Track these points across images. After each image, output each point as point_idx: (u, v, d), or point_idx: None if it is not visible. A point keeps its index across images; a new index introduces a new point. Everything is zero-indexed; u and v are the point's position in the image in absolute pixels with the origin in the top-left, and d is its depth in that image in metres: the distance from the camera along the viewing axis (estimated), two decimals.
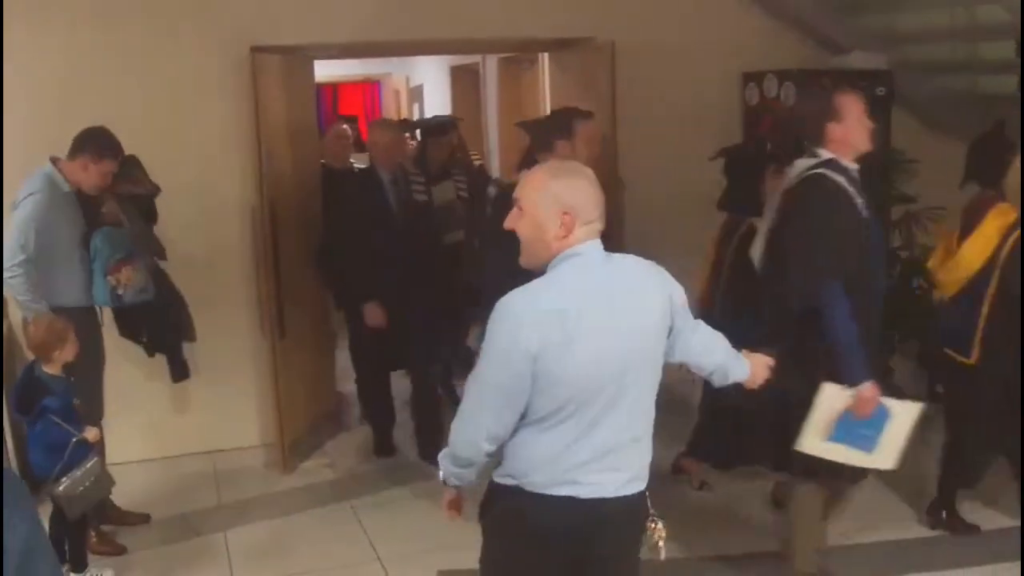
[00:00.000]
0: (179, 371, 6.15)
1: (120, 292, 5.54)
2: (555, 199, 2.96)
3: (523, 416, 2.98)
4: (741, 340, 3.60)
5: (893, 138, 7.28)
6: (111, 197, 5.62)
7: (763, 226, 4.98)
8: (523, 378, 2.88)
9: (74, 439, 4.84)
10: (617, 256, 3.10)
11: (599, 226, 3.02)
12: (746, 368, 3.48)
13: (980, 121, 7.09)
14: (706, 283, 5.85)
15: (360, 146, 9.76)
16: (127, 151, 5.70)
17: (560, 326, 2.85)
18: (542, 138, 5.35)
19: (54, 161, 5.46)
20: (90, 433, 4.94)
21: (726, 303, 5.62)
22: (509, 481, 3.08)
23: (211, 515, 6.11)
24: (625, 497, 3.05)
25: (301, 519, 6.03)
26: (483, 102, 11.35)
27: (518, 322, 2.88)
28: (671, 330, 3.17)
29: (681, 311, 3.20)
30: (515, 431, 3.02)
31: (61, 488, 4.84)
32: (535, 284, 2.97)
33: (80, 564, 5.13)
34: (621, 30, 7.13)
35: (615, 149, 7.07)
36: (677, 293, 3.19)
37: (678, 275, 3.24)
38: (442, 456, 3.22)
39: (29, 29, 6.25)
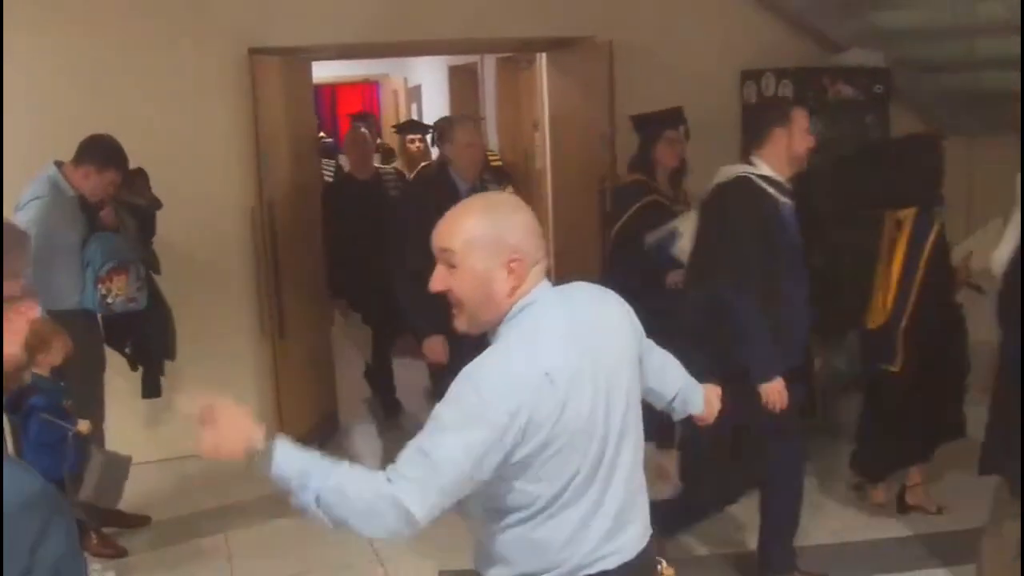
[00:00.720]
0: (151, 389, 6.15)
1: (109, 300, 5.52)
2: (496, 244, 2.44)
3: (522, 508, 2.50)
4: None
5: (891, 136, 7.28)
6: (110, 202, 5.63)
7: (689, 225, 5.13)
8: (487, 468, 2.37)
9: (70, 432, 4.86)
10: (567, 289, 2.66)
11: (546, 263, 2.57)
12: (701, 399, 3.07)
13: (979, 118, 7.10)
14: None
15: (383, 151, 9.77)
16: (129, 155, 5.71)
17: (550, 391, 2.38)
18: (755, 127, 4.87)
19: (59, 165, 5.47)
20: (82, 425, 4.94)
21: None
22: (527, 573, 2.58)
23: (211, 516, 6.11)
24: (643, 551, 2.66)
25: (301, 520, 5.97)
26: (481, 102, 11.36)
27: (501, 396, 2.35)
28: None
29: (641, 333, 2.78)
30: (510, 528, 2.54)
31: (83, 496, 4.87)
32: (501, 350, 2.48)
33: None
34: (619, 29, 7.13)
35: (614, 147, 7.06)
36: (633, 313, 2.75)
37: None
38: (327, 490, 2.64)
39: (27, 31, 6.25)
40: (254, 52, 6.37)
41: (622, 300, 2.74)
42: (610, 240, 6.35)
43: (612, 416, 2.53)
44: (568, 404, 2.40)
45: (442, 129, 7.61)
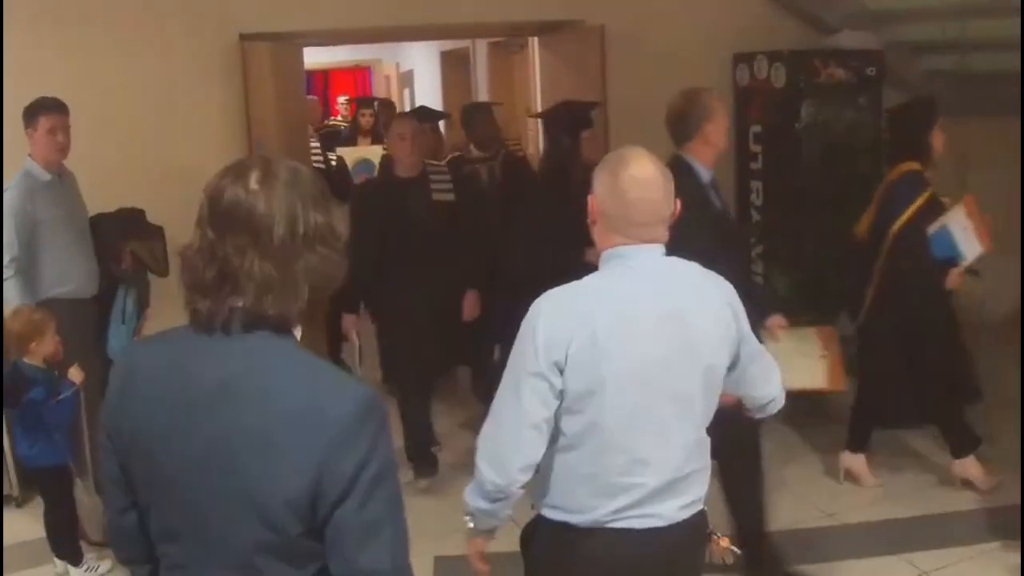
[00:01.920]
0: None
1: None
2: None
3: (559, 438, 2.72)
4: None
5: (884, 118, 7.27)
6: (130, 256, 5.74)
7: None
8: (550, 393, 2.64)
9: (61, 396, 4.89)
10: (682, 265, 2.83)
11: (653, 232, 2.75)
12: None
13: (972, 100, 7.09)
14: None
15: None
16: (119, 141, 5.71)
17: (591, 333, 2.62)
18: None
19: (30, 154, 5.48)
20: (74, 375, 4.94)
21: None
22: (556, 515, 2.79)
23: None
24: (681, 523, 2.76)
25: None
26: (474, 86, 11.34)
27: (542, 327, 2.66)
28: (737, 359, 2.86)
29: (748, 337, 2.88)
30: (554, 456, 2.74)
31: (94, 537, 5.04)
32: (573, 284, 2.76)
33: (76, 557, 5.13)
34: (611, 12, 7.12)
35: (606, 131, 7.06)
36: (743, 315, 2.86)
37: None
38: (469, 491, 2.83)
39: (18, 20, 6.22)
40: (245, 38, 6.36)
41: (734, 297, 2.86)
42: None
43: (660, 390, 2.68)
44: (607, 354, 2.62)
45: (470, 114, 7.57)
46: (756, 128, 7.43)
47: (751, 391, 3.00)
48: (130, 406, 2.03)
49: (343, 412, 1.88)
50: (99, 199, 5.84)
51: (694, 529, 2.83)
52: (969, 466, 5.61)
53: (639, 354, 2.65)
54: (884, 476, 5.83)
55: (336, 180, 7.80)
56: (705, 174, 4.55)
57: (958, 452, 5.62)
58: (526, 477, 2.72)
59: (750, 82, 7.46)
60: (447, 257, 5.82)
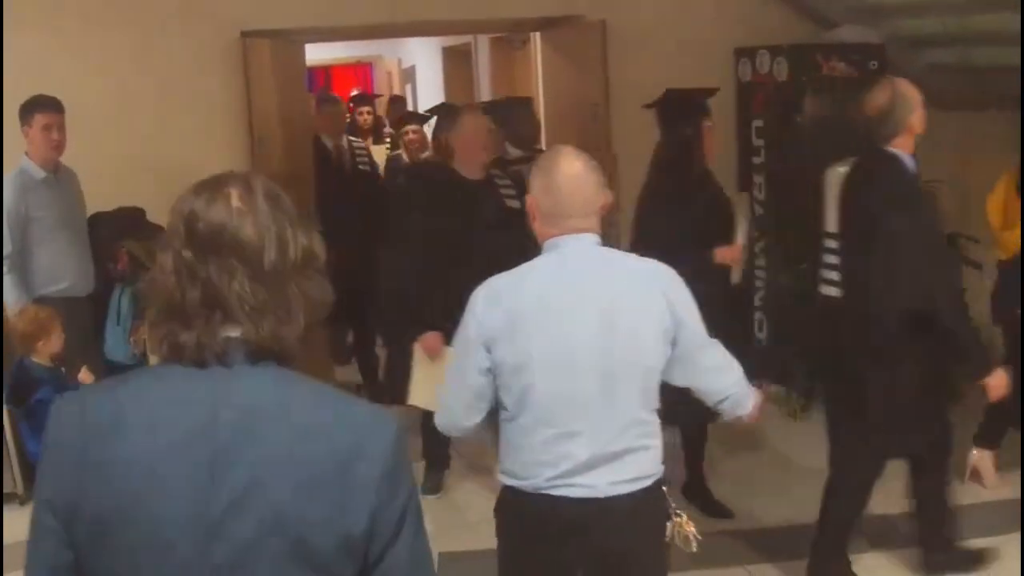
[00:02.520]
0: None
1: (135, 351, 5.73)
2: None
3: (502, 411, 2.98)
4: None
5: None
6: (127, 256, 5.73)
7: None
8: (480, 366, 2.92)
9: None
10: (616, 254, 3.04)
11: (584, 223, 2.96)
12: (751, 402, 3.26)
13: (973, 93, 7.09)
14: None
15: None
16: (120, 139, 5.71)
17: (520, 316, 2.88)
18: None
19: (26, 152, 5.49)
20: (83, 375, 4.95)
21: None
22: (507, 480, 3.03)
23: None
24: (622, 496, 2.93)
25: None
26: (476, 82, 11.33)
27: (478, 307, 2.95)
28: (676, 345, 2.97)
29: (688, 324, 2.98)
30: (502, 426, 3.01)
31: None
32: (511, 271, 3.00)
33: None
34: (612, 8, 7.12)
35: (608, 126, 7.06)
36: (682, 303, 2.99)
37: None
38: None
39: (18, 19, 6.22)
40: (246, 35, 6.36)
41: (673, 286, 2.98)
42: None
43: (588, 370, 2.86)
44: (534, 335, 2.86)
45: (508, 109, 7.08)
46: (758, 122, 7.42)
47: (702, 384, 3.13)
48: (102, 473, 1.68)
49: (386, 446, 1.77)
50: (100, 198, 5.85)
51: (638, 505, 2.97)
52: (985, 458, 5.60)
53: (563, 335, 2.86)
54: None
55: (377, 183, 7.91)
56: (913, 165, 4.44)
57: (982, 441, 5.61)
58: (472, 424, 3.05)
59: (752, 77, 7.46)
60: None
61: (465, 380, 2.97)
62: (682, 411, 4.33)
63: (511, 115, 6.77)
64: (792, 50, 7.15)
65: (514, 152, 6.60)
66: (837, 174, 4.54)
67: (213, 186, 1.84)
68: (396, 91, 14.38)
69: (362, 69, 16.45)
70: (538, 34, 8.66)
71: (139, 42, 6.49)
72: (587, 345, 2.86)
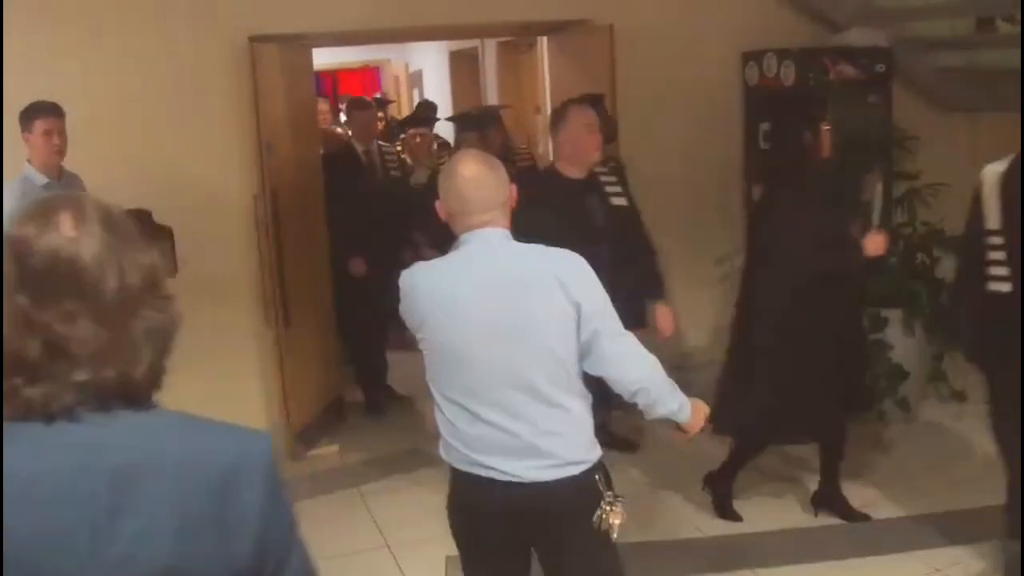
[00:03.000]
0: None
1: None
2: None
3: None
4: None
5: (894, 115, 7.26)
6: None
7: None
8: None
9: None
10: (519, 246, 3.20)
11: (486, 217, 3.16)
12: (685, 407, 3.30)
13: (981, 96, 7.08)
14: None
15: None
16: (127, 144, 5.69)
17: (429, 307, 3.15)
18: None
19: (28, 159, 5.50)
20: None
21: None
22: (442, 453, 3.31)
23: None
24: (548, 483, 3.10)
25: (309, 506, 6.04)
26: (482, 87, 11.35)
27: (401, 297, 3.23)
28: (579, 329, 3.09)
29: (585, 307, 3.08)
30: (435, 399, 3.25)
31: None
32: (426, 264, 3.31)
33: None
34: (619, 11, 7.11)
35: (616, 129, 7.06)
36: (579, 286, 3.10)
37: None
38: None
39: (26, 22, 6.23)
40: (254, 40, 6.36)
41: (574, 276, 3.10)
42: None
43: (489, 357, 3.06)
44: (444, 323, 3.11)
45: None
46: (766, 126, 7.42)
47: (611, 372, 3.17)
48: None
49: (264, 466, 1.71)
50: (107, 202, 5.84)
51: (559, 490, 3.12)
52: None
53: (466, 324, 3.08)
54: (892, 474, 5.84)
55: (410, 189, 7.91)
56: None
57: None
58: None
59: (759, 80, 7.46)
60: (625, 269, 5.27)
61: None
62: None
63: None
64: (799, 53, 7.15)
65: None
66: (993, 172, 4.53)
67: (41, 211, 1.66)
68: (403, 95, 14.39)
69: (369, 73, 16.46)
70: (545, 38, 8.67)
71: (147, 47, 6.49)
72: (487, 333, 3.06)
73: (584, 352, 3.11)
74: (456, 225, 3.19)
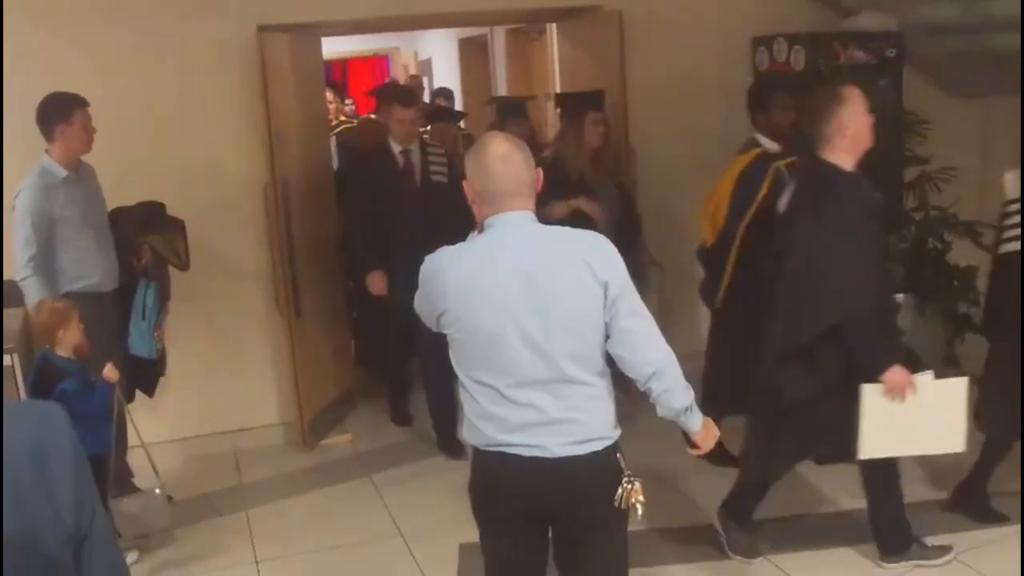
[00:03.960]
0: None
1: (159, 346, 5.89)
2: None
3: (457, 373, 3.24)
4: None
5: (905, 99, 7.23)
6: (149, 250, 5.77)
7: None
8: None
9: (97, 383, 4.99)
10: (547, 229, 3.21)
11: (516, 202, 3.15)
12: (696, 411, 3.29)
13: (991, 80, 7.05)
14: None
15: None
16: (138, 134, 5.69)
17: (455, 289, 3.11)
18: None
19: (47, 152, 5.46)
20: (109, 372, 4.99)
21: None
22: (467, 435, 3.31)
23: (233, 495, 6.15)
24: (573, 458, 3.13)
25: (322, 496, 6.06)
26: (492, 74, 11.33)
27: (425, 281, 3.21)
28: (605, 305, 3.12)
29: (612, 286, 3.11)
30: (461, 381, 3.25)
31: (121, 507, 5.13)
32: (449, 248, 3.24)
33: None
34: None
35: (626, 117, 7.05)
36: (605, 265, 3.12)
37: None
38: None
39: (37, 13, 6.24)
40: (263, 29, 6.36)
41: (596, 253, 3.13)
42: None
43: (518, 336, 3.07)
44: (467, 305, 3.10)
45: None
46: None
47: (628, 352, 3.17)
48: None
49: (69, 434, 1.79)
50: (119, 193, 5.85)
51: (588, 467, 3.15)
52: None
53: (492, 306, 3.08)
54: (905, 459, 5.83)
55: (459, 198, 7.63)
56: None
57: None
58: None
59: (770, 65, 7.43)
60: None
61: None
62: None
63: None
64: (810, 38, 7.12)
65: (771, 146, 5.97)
66: None
67: None
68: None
69: (379, 62, 16.45)
70: (555, 25, 8.65)
71: (156, 37, 6.49)
72: (513, 314, 3.06)
73: (607, 330, 3.14)
74: (483, 207, 3.17)
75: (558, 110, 6.95)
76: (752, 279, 5.16)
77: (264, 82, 6.24)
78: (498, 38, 11.05)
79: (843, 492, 5.55)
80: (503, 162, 3.12)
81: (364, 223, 6.59)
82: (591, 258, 3.10)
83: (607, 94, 6.66)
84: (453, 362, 3.22)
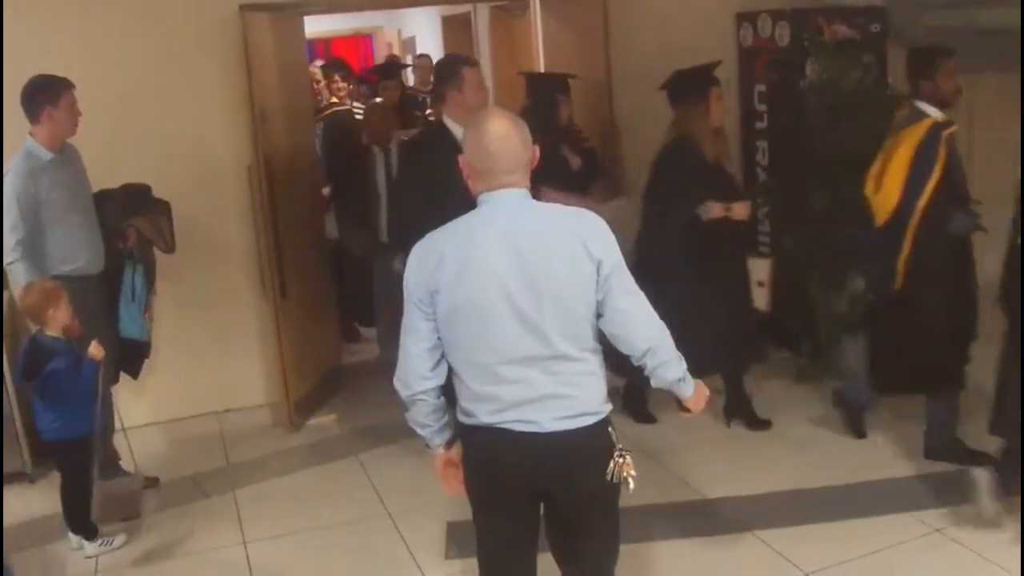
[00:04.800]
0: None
1: (148, 327, 5.89)
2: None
3: (447, 356, 3.23)
4: None
5: (889, 75, 7.22)
6: (135, 233, 5.73)
7: None
8: (424, 310, 3.17)
9: (84, 362, 4.96)
10: (542, 205, 3.22)
11: (512, 178, 3.15)
12: (689, 378, 3.35)
13: (977, 56, 7.03)
14: None
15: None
16: (121, 116, 5.65)
17: (448, 266, 3.10)
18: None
19: (31, 134, 5.43)
20: (94, 350, 4.97)
21: None
22: (460, 417, 3.29)
23: (220, 476, 6.14)
24: (565, 432, 3.15)
25: (309, 476, 6.06)
26: (476, 52, 11.28)
27: (417, 260, 3.19)
28: (598, 285, 3.14)
29: (605, 264, 3.12)
30: (450, 371, 3.25)
31: (107, 489, 5.19)
32: (443, 226, 3.22)
33: (91, 532, 5.18)
34: None
35: (610, 94, 7.03)
36: (599, 243, 3.14)
37: None
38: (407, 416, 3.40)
39: (18, 2, 6.21)
40: (245, 8, 6.32)
41: (590, 229, 3.14)
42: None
43: (510, 313, 3.08)
44: (458, 282, 3.09)
45: None
46: (761, 87, 7.40)
47: (622, 329, 3.19)
48: None
49: None
50: (103, 175, 5.82)
51: (580, 441, 3.18)
52: None
53: (484, 282, 3.08)
54: (894, 435, 5.86)
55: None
56: None
57: None
58: (428, 385, 3.24)
59: (754, 41, 7.42)
60: None
61: (414, 332, 3.21)
62: None
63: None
64: (794, 14, 7.12)
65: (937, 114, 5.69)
66: None
67: None
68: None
69: (362, 41, 16.39)
70: (538, 2, 8.62)
71: (138, 18, 6.46)
72: (504, 291, 3.07)
73: (599, 308, 3.15)
74: (479, 183, 3.17)
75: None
76: (935, 255, 5.30)
77: (247, 61, 6.21)
78: (481, 16, 11.01)
79: (830, 469, 5.58)
80: (503, 142, 3.12)
81: (419, 217, 5.03)
82: (585, 235, 3.11)
83: (593, 72, 6.64)
84: (444, 347, 3.21)
